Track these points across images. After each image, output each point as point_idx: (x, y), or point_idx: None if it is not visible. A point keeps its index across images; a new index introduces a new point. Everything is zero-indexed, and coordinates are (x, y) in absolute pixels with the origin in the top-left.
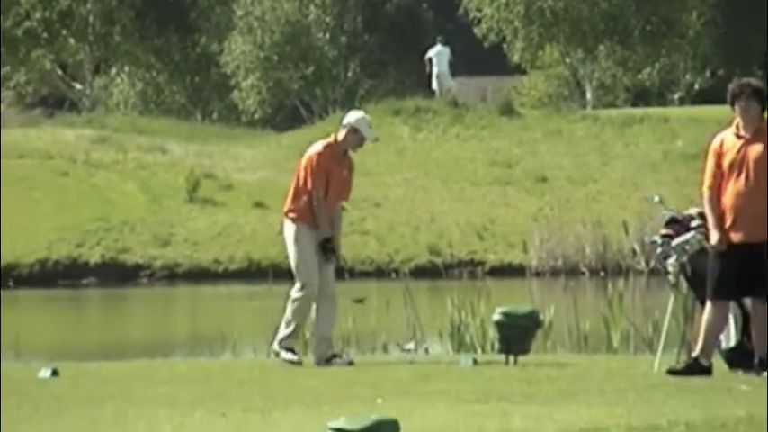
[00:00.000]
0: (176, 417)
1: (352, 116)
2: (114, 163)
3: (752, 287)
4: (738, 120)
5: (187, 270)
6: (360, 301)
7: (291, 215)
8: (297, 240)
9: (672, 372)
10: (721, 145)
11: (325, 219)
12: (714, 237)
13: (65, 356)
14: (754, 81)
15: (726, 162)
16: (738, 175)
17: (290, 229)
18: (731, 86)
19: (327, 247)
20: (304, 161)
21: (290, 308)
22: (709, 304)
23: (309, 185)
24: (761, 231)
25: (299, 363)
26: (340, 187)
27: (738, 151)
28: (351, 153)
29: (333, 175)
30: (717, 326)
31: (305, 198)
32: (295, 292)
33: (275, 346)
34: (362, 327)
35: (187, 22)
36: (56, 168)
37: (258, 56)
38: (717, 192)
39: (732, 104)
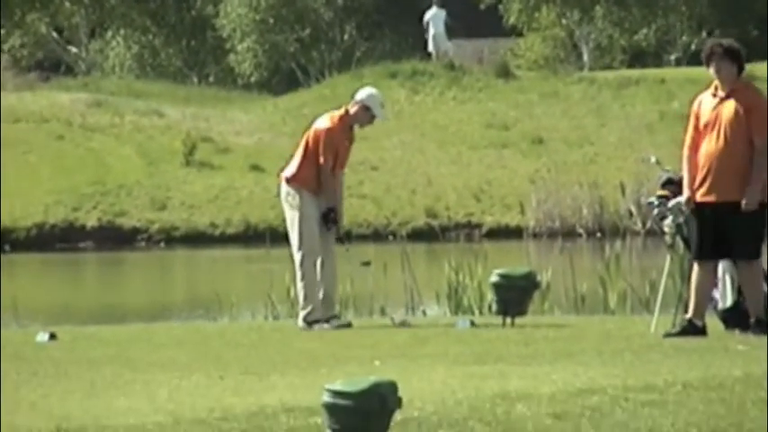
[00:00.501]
0: (174, 380)
1: (365, 93)
2: (110, 126)
3: (728, 249)
4: (715, 80)
5: (184, 233)
6: (367, 263)
7: (296, 182)
8: (301, 208)
9: (668, 335)
10: (699, 106)
11: (332, 191)
12: (684, 197)
13: (62, 320)
14: (725, 41)
15: (702, 122)
16: (712, 134)
17: (293, 196)
18: (704, 48)
19: (330, 217)
20: (316, 133)
21: (300, 284)
22: (695, 265)
23: (321, 159)
24: (731, 191)
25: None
26: (344, 159)
27: (713, 110)
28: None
29: (340, 148)
30: (704, 286)
31: (312, 168)
32: (299, 268)
33: (301, 324)
34: (360, 290)
35: None
36: (52, 132)
37: (254, 18)
38: (693, 152)
39: (707, 65)
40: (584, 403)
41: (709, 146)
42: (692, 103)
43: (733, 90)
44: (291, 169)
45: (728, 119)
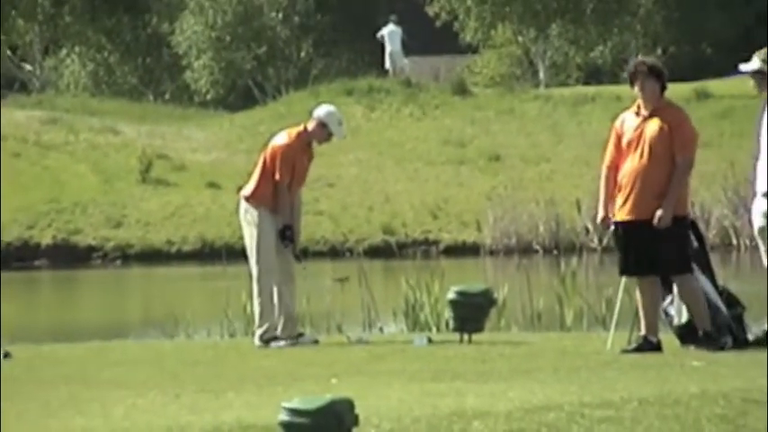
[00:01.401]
0: (130, 398)
1: (323, 110)
2: (65, 144)
3: (652, 266)
4: (639, 99)
5: (140, 251)
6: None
7: (254, 200)
8: (259, 225)
9: (625, 352)
10: (622, 124)
11: (287, 208)
12: (599, 215)
13: (17, 339)
14: (649, 59)
15: (624, 141)
16: (635, 152)
17: (252, 213)
18: (628, 66)
19: (286, 235)
20: (273, 150)
21: (257, 301)
22: (638, 284)
23: (277, 176)
24: (653, 210)
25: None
26: (301, 176)
27: (636, 129)
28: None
29: (297, 164)
30: (649, 302)
31: (269, 185)
32: (256, 283)
33: (257, 342)
34: (317, 307)
35: (138, 2)
36: (7, 149)
37: (210, 36)
38: (612, 171)
39: (631, 84)
40: (541, 420)
41: (632, 164)
42: (613, 121)
43: (656, 109)
44: (250, 187)
45: (652, 137)
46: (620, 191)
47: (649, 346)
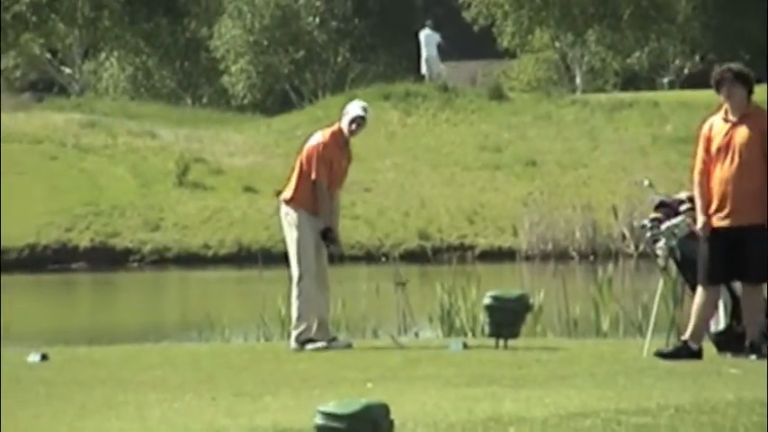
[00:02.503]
0: (166, 401)
1: (350, 105)
2: (104, 147)
3: (740, 271)
4: (726, 105)
5: (177, 254)
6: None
7: (294, 203)
8: (299, 227)
9: (660, 354)
10: (710, 130)
11: (328, 208)
12: (700, 221)
13: (54, 341)
14: (735, 66)
15: (714, 147)
16: (725, 159)
17: (292, 215)
18: (714, 73)
19: (328, 236)
20: (308, 150)
21: (295, 302)
22: (700, 289)
23: (314, 175)
24: (747, 215)
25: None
26: (340, 176)
27: (726, 135)
28: (351, 141)
29: (335, 164)
30: (707, 310)
31: (307, 186)
32: (296, 286)
33: (293, 344)
34: (352, 311)
35: (176, 6)
36: (45, 153)
37: (248, 40)
38: (706, 177)
39: (717, 90)
40: (577, 427)
41: (723, 171)
42: (701, 126)
43: (745, 115)
44: (289, 190)
45: (742, 143)
46: (711, 198)
47: (688, 352)
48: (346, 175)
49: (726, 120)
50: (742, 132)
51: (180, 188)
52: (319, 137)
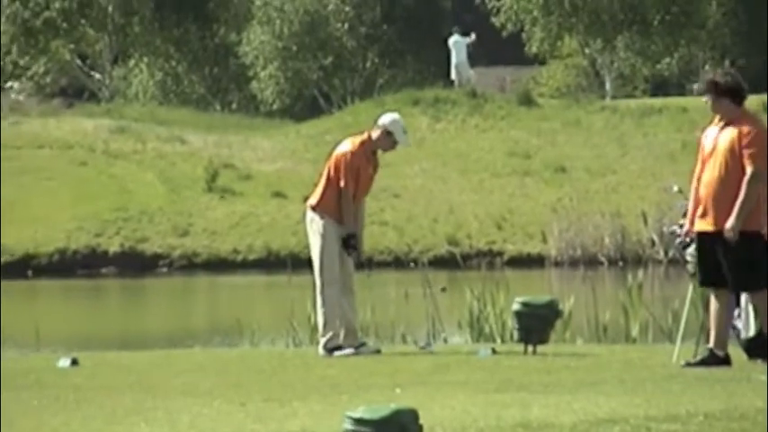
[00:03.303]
0: (195, 406)
1: (388, 118)
2: (133, 153)
3: (723, 278)
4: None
5: (206, 260)
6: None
7: (319, 209)
8: (324, 235)
9: (688, 365)
10: (704, 137)
11: (351, 215)
12: (685, 226)
13: (84, 346)
14: (719, 77)
15: (705, 153)
16: (711, 164)
17: (317, 222)
18: (700, 81)
19: (350, 243)
20: (337, 158)
21: (321, 310)
22: (711, 296)
23: (342, 183)
24: (721, 221)
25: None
26: (366, 185)
27: (713, 141)
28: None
29: (362, 173)
30: (721, 315)
31: (334, 194)
32: (320, 294)
33: (321, 352)
34: (381, 317)
35: (206, 12)
36: (75, 158)
37: (277, 46)
38: (697, 182)
39: (705, 98)
40: None
41: (708, 175)
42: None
43: (731, 120)
44: (315, 196)
45: (725, 148)
46: (699, 202)
47: (715, 359)
48: (372, 184)
49: (717, 126)
50: (725, 138)
51: (209, 194)
52: (348, 145)
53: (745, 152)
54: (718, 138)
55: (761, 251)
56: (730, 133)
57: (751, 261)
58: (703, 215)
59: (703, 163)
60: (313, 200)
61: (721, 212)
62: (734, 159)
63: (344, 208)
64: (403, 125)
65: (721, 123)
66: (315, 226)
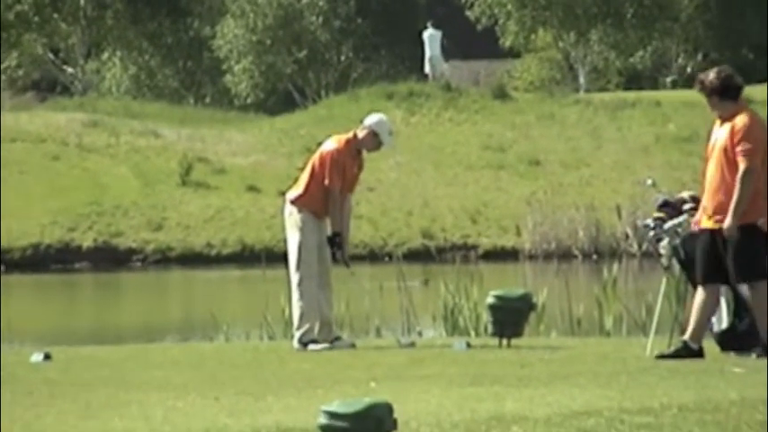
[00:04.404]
0: (169, 400)
1: (374, 119)
2: (107, 147)
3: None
4: None
5: (180, 254)
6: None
7: (299, 203)
8: (302, 229)
9: (661, 357)
10: (711, 133)
11: (338, 214)
12: (693, 222)
13: (57, 341)
14: (711, 78)
15: (709, 150)
16: (711, 161)
17: (296, 216)
18: (696, 81)
19: (335, 242)
20: (322, 155)
21: (297, 304)
22: (699, 288)
23: (327, 181)
24: (724, 215)
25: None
26: (351, 182)
27: (713, 136)
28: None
29: (347, 171)
30: (707, 310)
31: (317, 189)
32: (296, 288)
33: (296, 345)
34: (356, 311)
35: (179, 5)
36: (48, 152)
37: (251, 40)
38: (702, 177)
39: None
40: (580, 426)
41: (708, 173)
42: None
43: (728, 116)
44: (297, 190)
45: (721, 145)
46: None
47: (689, 352)
48: (357, 182)
49: (718, 123)
50: (722, 135)
51: (183, 188)
52: (334, 143)
53: (738, 149)
54: (717, 134)
55: (761, 241)
56: (726, 130)
57: (752, 251)
58: (704, 212)
59: (707, 160)
60: (293, 193)
61: (719, 209)
62: (728, 157)
63: (331, 205)
64: (390, 127)
65: (719, 121)
66: (293, 219)
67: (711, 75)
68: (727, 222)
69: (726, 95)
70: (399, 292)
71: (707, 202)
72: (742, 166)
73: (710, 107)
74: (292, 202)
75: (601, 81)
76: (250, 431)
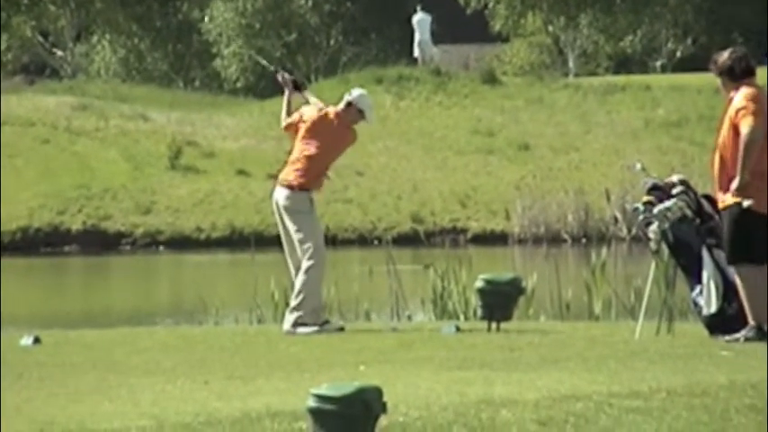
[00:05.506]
0: (158, 384)
1: (356, 93)
2: (96, 130)
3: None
4: None
5: (169, 237)
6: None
7: (305, 184)
8: (311, 213)
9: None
10: (722, 116)
11: (321, 180)
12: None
13: (47, 324)
14: (724, 58)
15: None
16: (722, 136)
17: (304, 197)
18: (713, 58)
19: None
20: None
21: (301, 290)
22: (744, 271)
23: (309, 149)
24: (724, 195)
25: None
26: (335, 148)
27: (723, 115)
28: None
29: (337, 140)
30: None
31: (310, 168)
32: (304, 273)
33: (287, 327)
34: (345, 294)
35: None
36: (37, 135)
37: (240, 23)
38: (711, 166)
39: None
40: (569, 409)
41: (719, 149)
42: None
43: (735, 93)
44: (298, 171)
45: (726, 125)
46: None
47: (761, 334)
48: (341, 149)
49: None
50: (729, 109)
51: (172, 171)
52: (314, 111)
53: (740, 115)
54: (724, 115)
55: (756, 226)
56: (732, 105)
57: (743, 234)
58: (721, 191)
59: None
60: (298, 176)
61: (722, 188)
62: (737, 131)
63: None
64: (370, 102)
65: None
66: (298, 206)
67: (725, 55)
68: (735, 183)
69: (737, 76)
70: (389, 275)
71: (721, 179)
72: (744, 129)
73: (722, 87)
74: (290, 187)
75: (590, 65)
76: (239, 414)
